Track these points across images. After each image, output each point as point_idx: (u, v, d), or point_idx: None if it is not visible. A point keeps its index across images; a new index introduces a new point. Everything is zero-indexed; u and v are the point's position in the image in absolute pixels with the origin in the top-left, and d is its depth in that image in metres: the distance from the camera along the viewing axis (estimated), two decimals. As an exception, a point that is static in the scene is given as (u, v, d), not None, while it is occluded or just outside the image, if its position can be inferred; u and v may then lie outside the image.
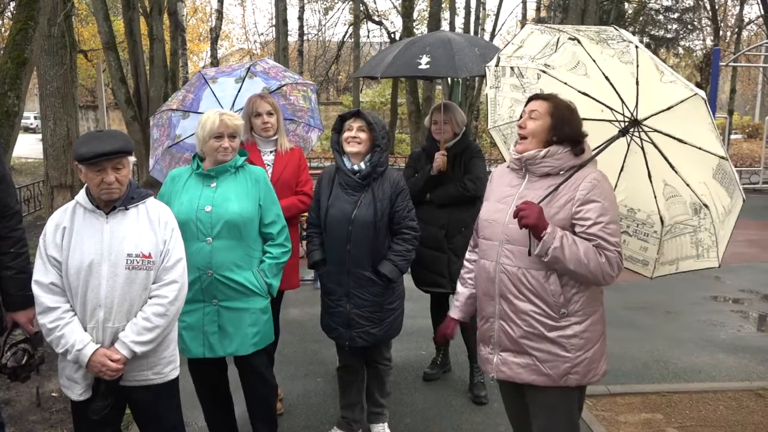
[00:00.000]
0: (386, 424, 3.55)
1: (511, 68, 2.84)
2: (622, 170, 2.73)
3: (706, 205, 2.53)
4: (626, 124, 2.58)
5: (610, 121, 2.66)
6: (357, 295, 3.21)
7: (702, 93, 2.24)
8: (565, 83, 2.71)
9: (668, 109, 2.36)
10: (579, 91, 2.68)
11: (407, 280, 3.41)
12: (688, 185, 2.54)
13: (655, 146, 2.57)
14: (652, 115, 2.48)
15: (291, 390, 4.10)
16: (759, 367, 4.66)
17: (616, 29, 2.44)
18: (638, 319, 5.70)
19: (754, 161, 19.40)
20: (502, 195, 2.53)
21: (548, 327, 2.40)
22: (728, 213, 2.49)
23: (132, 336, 2.39)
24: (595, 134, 2.57)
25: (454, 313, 2.77)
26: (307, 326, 3.84)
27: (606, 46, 2.47)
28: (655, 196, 2.65)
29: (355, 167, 3.19)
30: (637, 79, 2.41)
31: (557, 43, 2.64)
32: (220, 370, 3.24)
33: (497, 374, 2.55)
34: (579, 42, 2.55)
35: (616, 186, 2.73)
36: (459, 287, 2.78)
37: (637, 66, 2.37)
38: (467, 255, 2.80)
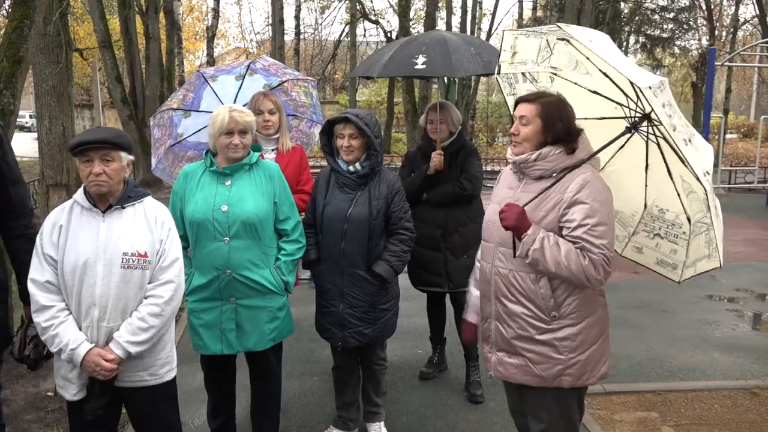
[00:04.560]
0: (382, 423, 3.56)
1: (523, 74, 2.78)
2: (647, 169, 2.62)
3: (714, 200, 2.36)
4: (637, 119, 2.47)
5: (624, 117, 2.56)
6: (351, 294, 3.21)
7: (663, 78, 2.16)
8: (576, 83, 2.64)
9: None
10: (590, 91, 2.62)
11: (403, 279, 3.41)
12: (698, 179, 2.39)
13: (666, 140, 2.44)
14: (653, 107, 2.34)
15: (287, 388, 4.08)
16: (754, 365, 4.67)
17: (559, 26, 2.36)
18: (634, 318, 5.71)
19: (749, 161, 19.44)
20: (502, 197, 2.52)
21: (539, 330, 2.39)
22: (716, 207, 2.36)
23: (126, 336, 2.37)
24: (610, 134, 2.49)
25: (470, 317, 2.76)
26: (303, 325, 3.84)
27: (588, 43, 2.39)
28: (678, 194, 2.52)
29: (351, 168, 3.19)
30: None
31: (548, 44, 2.58)
32: (231, 368, 3.25)
33: (494, 373, 2.58)
34: (569, 41, 2.50)
35: (646, 186, 2.64)
36: (472, 290, 2.75)
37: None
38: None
